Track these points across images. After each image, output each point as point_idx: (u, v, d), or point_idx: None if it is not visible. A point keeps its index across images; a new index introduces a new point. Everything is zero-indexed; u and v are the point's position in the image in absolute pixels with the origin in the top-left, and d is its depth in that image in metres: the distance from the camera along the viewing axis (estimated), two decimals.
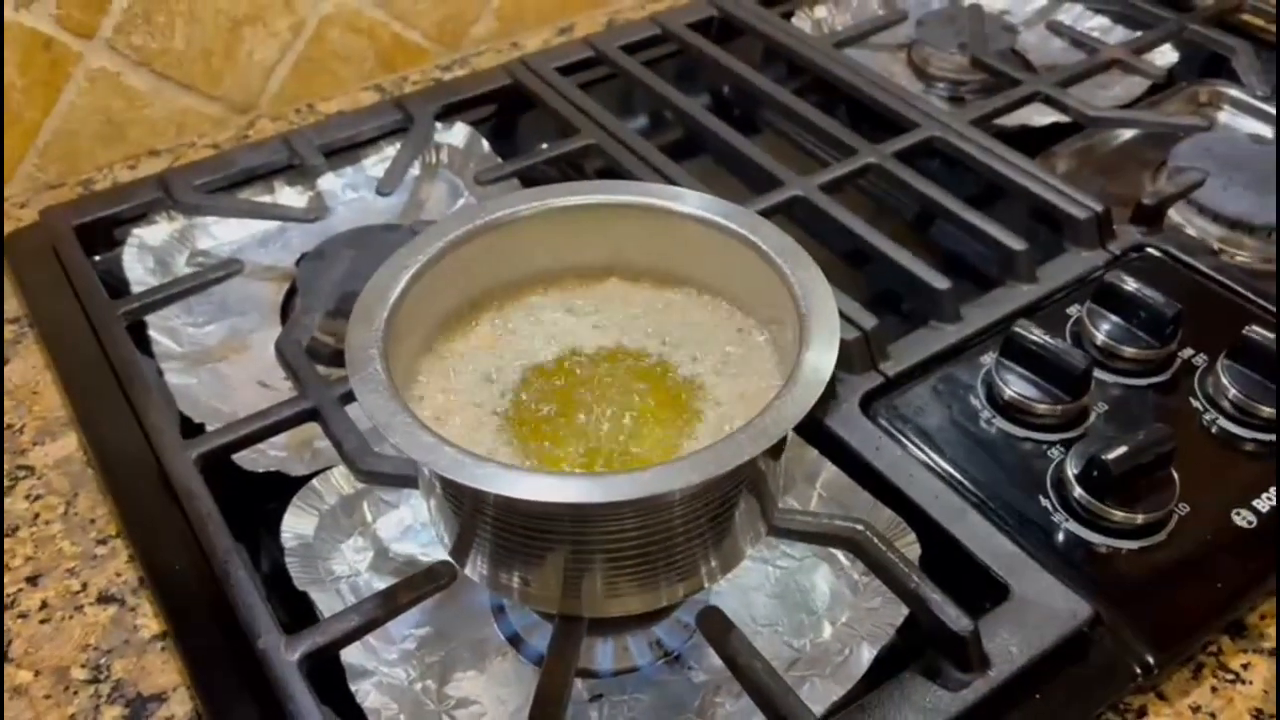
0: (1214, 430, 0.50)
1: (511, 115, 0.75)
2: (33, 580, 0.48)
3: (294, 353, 0.52)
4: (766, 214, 0.60)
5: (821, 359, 0.37)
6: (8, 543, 0.50)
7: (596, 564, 0.37)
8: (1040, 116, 0.72)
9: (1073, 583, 0.44)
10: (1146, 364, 0.52)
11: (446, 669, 0.46)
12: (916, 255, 0.58)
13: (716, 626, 0.41)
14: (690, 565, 0.39)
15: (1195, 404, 0.51)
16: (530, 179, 0.68)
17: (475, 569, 0.40)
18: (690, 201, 0.44)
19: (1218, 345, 0.53)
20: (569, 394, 0.42)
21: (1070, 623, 0.42)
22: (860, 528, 0.44)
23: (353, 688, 0.44)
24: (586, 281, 0.46)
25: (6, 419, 0.56)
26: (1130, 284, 0.53)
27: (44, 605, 0.47)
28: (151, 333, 0.60)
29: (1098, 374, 0.52)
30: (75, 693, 0.44)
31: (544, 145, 0.70)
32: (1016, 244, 0.58)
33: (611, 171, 0.67)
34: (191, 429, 0.54)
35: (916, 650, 0.43)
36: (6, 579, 0.48)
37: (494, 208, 0.44)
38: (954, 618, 0.41)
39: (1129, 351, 0.52)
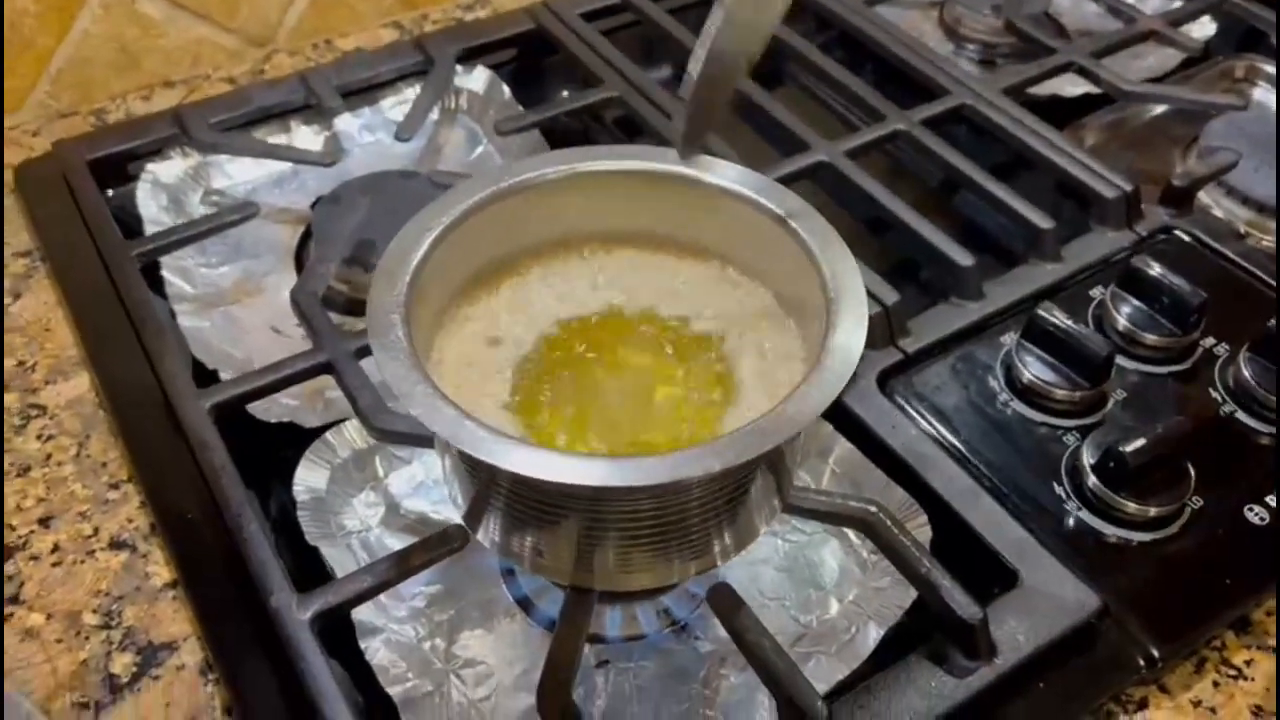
0: (1232, 423, 0.50)
1: (533, 60, 0.74)
2: (45, 523, 0.48)
3: (309, 304, 0.52)
4: (791, 179, 0.60)
5: (849, 344, 0.36)
6: (19, 483, 0.50)
7: (610, 541, 0.37)
8: (1072, 87, 0.71)
9: (1082, 572, 0.44)
10: (1168, 352, 0.52)
11: (455, 628, 0.46)
12: (941, 227, 0.57)
13: (726, 602, 0.41)
14: (704, 543, 0.39)
15: (1214, 395, 0.51)
16: (551, 130, 0.67)
17: (487, 535, 0.40)
18: (720, 173, 0.43)
19: (1241, 336, 0.52)
20: (586, 363, 0.42)
21: (1078, 613, 0.43)
22: (874, 509, 0.44)
23: (362, 645, 0.44)
24: (610, 248, 0.46)
25: (19, 356, 0.55)
26: (1155, 269, 0.52)
27: (56, 548, 0.47)
28: (164, 273, 0.59)
29: (1118, 359, 0.52)
30: (87, 638, 0.44)
31: (565, 93, 0.69)
32: (1043, 222, 0.57)
33: (632, 124, 0.66)
34: (204, 375, 0.54)
35: (924, 633, 0.43)
36: (18, 520, 0.48)
37: (520, 169, 0.43)
38: (963, 605, 0.41)
39: (1151, 339, 0.52)
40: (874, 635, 0.45)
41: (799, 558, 0.49)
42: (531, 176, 0.43)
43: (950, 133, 0.64)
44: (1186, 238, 0.59)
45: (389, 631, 0.46)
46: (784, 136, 0.63)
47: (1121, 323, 0.52)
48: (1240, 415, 0.50)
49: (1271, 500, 0.47)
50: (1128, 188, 0.59)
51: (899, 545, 0.43)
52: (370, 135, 0.70)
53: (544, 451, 0.34)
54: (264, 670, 0.42)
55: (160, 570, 0.47)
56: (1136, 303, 0.53)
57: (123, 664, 0.44)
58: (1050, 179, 0.62)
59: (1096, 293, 0.55)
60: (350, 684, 0.43)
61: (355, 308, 0.60)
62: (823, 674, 0.44)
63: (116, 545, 0.48)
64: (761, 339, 0.43)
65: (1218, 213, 0.63)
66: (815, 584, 0.48)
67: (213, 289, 0.61)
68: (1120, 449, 0.45)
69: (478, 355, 0.42)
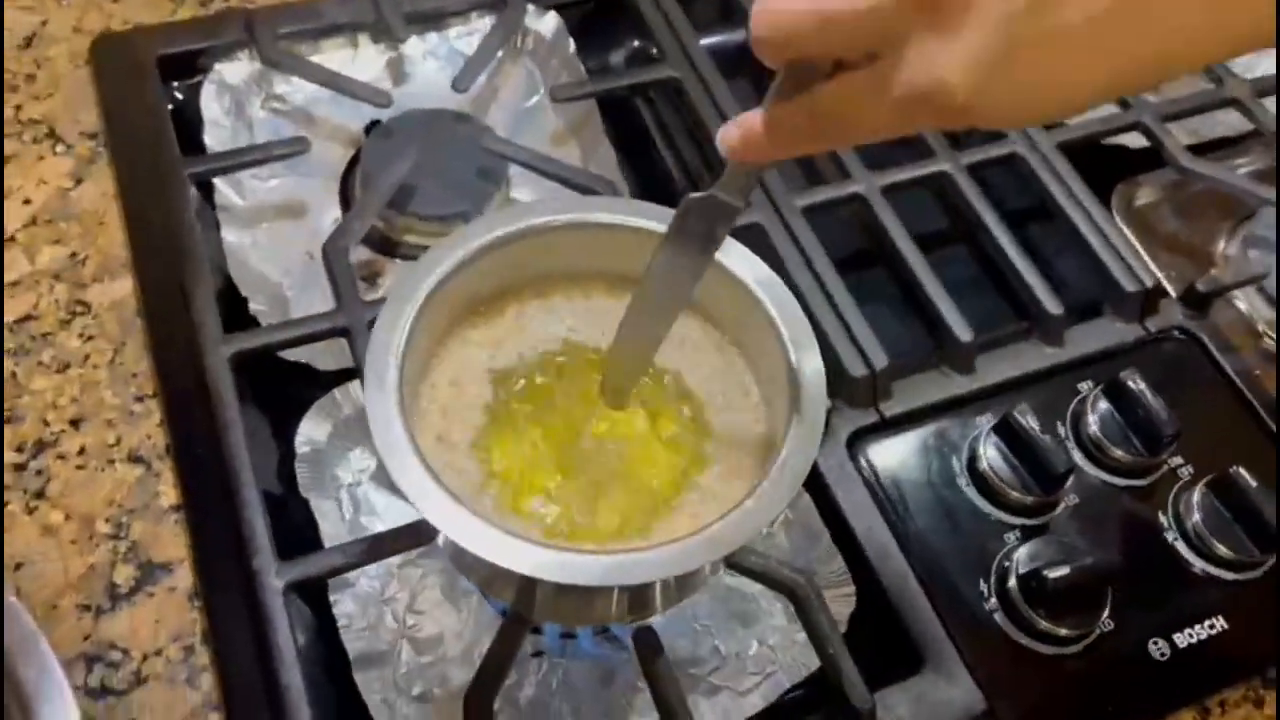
0: (1169, 551, 0.53)
1: (603, 12, 0.73)
2: (75, 424, 0.53)
3: (340, 262, 0.55)
4: (821, 208, 0.61)
5: (798, 464, 0.39)
6: (58, 379, 0.55)
7: (549, 596, 0.42)
8: (1139, 138, 0.70)
9: (981, 673, 0.48)
10: (1130, 467, 0.54)
11: (417, 592, 0.52)
12: (957, 281, 0.59)
13: (647, 647, 0.46)
14: (643, 601, 0.44)
15: (1163, 519, 0.53)
16: (607, 103, 0.67)
17: (447, 548, 0.45)
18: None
19: (1209, 463, 0.54)
20: (562, 399, 0.45)
21: (963, 714, 0.47)
22: (802, 581, 0.47)
23: (331, 597, 0.50)
24: (612, 292, 0.48)
25: (72, 246, 0.59)
26: (1139, 386, 0.54)
27: (82, 451, 0.53)
28: (216, 180, 0.62)
29: (1080, 461, 0.54)
30: (97, 544, 0.50)
31: (626, 54, 0.69)
32: (1053, 306, 0.58)
33: (679, 113, 0.67)
34: (235, 300, 0.58)
35: (822, 699, 0.47)
36: (52, 416, 0.54)
37: (531, 213, 0.45)
38: (857, 692, 0.45)
39: (1117, 453, 0.54)
40: (780, 685, 0.49)
41: (737, 590, 0.53)
42: (540, 223, 0.45)
43: (995, 181, 0.64)
44: (1194, 342, 0.60)
45: (360, 584, 0.51)
46: (827, 158, 0.63)
47: (1094, 428, 0.54)
48: (1179, 546, 0.53)
49: (1179, 638, 0.50)
50: (1148, 284, 0.59)
51: (817, 621, 0.47)
52: (434, 61, 0.71)
53: (508, 536, 0.37)
54: (240, 614, 0.47)
55: (169, 492, 0.52)
56: (1114, 413, 0.54)
57: (124, 575, 0.50)
58: (1078, 252, 0.62)
59: (1085, 387, 0.57)
60: (315, 634, 0.49)
61: (388, 247, 0.64)
62: (723, 713, 0.49)
63: (134, 459, 0.53)
64: (727, 404, 0.46)
65: (1241, 304, 0.64)
66: (743, 619, 0.52)
67: (259, 203, 0.64)
68: (1044, 573, 0.48)
69: (466, 381, 0.45)
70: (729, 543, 0.37)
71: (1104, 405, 0.55)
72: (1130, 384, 0.54)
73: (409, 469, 0.38)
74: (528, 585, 0.42)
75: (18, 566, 0.49)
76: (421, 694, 0.49)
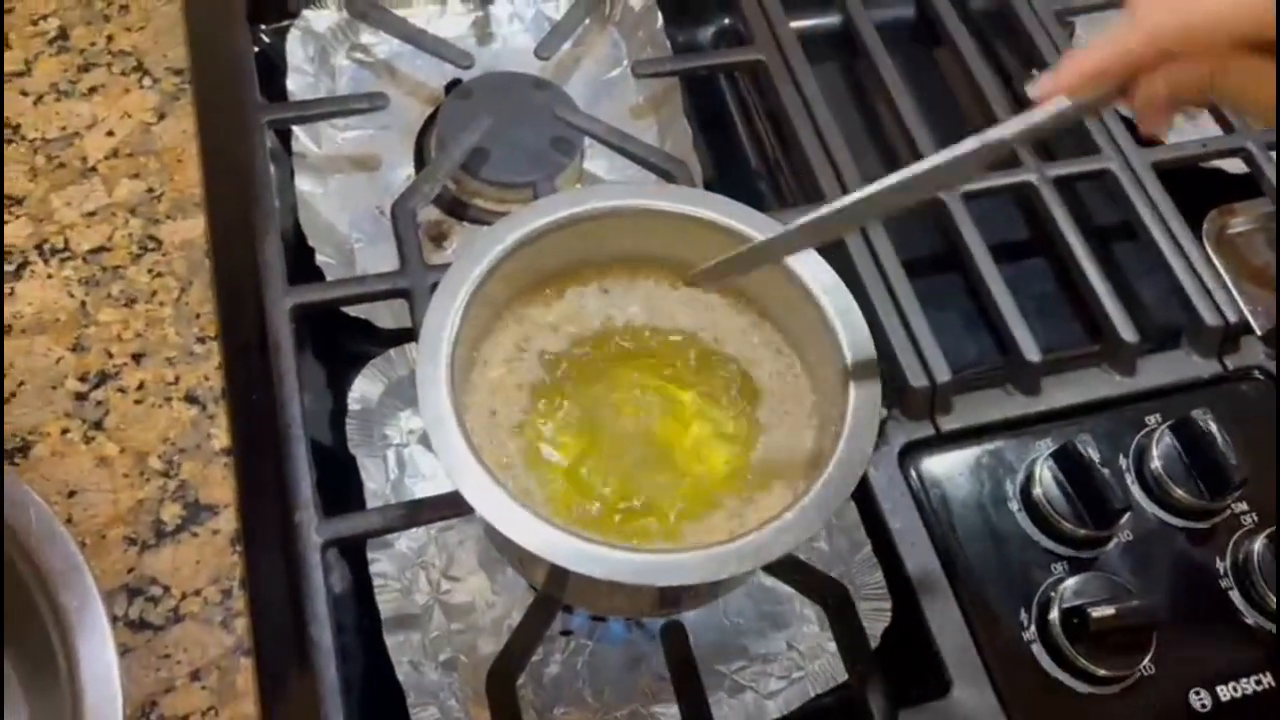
0: (1224, 600, 0.51)
1: None
2: (137, 359, 0.54)
3: (406, 224, 0.55)
4: None
5: (840, 488, 0.39)
6: (124, 312, 0.56)
7: (582, 584, 0.42)
8: (1239, 163, 0.67)
9: (1012, 704, 0.47)
10: (1191, 508, 0.52)
11: (455, 558, 0.52)
12: (1032, 296, 0.57)
13: (676, 643, 0.45)
14: (676, 597, 0.43)
15: (1220, 565, 0.52)
16: (689, 79, 0.66)
17: (483, 523, 0.45)
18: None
19: (1273, 513, 0.52)
20: (611, 381, 0.45)
21: None
22: (838, 592, 0.47)
23: (370, 555, 0.50)
24: (672, 280, 0.47)
25: (150, 182, 0.60)
26: (1210, 428, 0.52)
27: (141, 386, 0.54)
28: (295, 127, 0.63)
29: (1138, 496, 0.52)
30: (148, 480, 0.51)
31: (709, 34, 0.67)
32: (1128, 334, 0.56)
33: (764, 96, 0.65)
34: (302, 249, 0.58)
35: (846, 713, 0.47)
36: (116, 349, 0.55)
37: (596, 197, 0.45)
38: (881, 712, 0.45)
39: (1178, 493, 0.52)
40: (805, 693, 0.49)
41: (772, 591, 0.52)
42: (604, 206, 0.45)
43: (1082, 196, 0.62)
44: (1275, 386, 0.57)
45: (399, 545, 0.52)
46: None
47: (1157, 465, 0.53)
48: (1234, 595, 0.51)
49: (1223, 690, 0.48)
50: (1230, 318, 0.57)
51: (850, 634, 0.46)
52: (519, 24, 0.70)
53: (559, 531, 0.37)
54: (278, 565, 0.48)
55: (220, 435, 0.53)
56: (1180, 452, 0.52)
57: (171, 513, 0.50)
58: (1162, 278, 0.60)
59: (1153, 420, 0.55)
60: (351, 590, 0.49)
61: (457, 209, 0.64)
62: (747, 713, 0.48)
63: (191, 399, 0.54)
64: (784, 405, 0.45)
65: None
66: (776, 621, 0.52)
67: (335, 154, 0.64)
68: (1088, 610, 0.47)
69: (518, 360, 0.45)
70: (762, 556, 0.37)
71: (1170, 441, 0.53)
72: (1200, 423, 0.52)
73: (451, 445, 0.38)
74: (560, 571, 0.42)
75: (71, 494, 0.50)
76: (449, 660, 0.50)
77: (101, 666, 0.42)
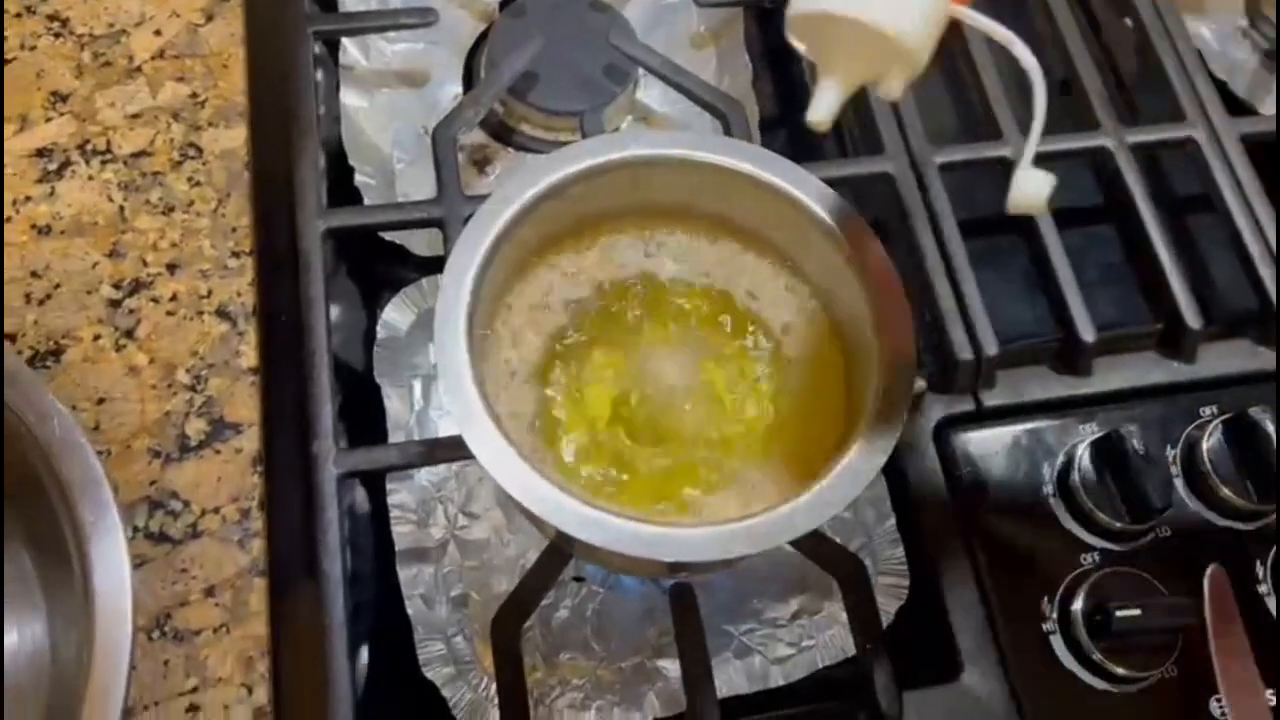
0: (1258, 604, 0.49)
1: None
2: (172, 269, 0.54)
3: (447, 151, 0.53)
4: (962, 166, 0.56)
5: (867, 463, 0.37)
6: (161, 221, 0.55)
7: (592, 551, 0.41)
8: None
9: (1023, 695, 0.46)
10: (1236, 510, 0.50)
11: (474, 495, 0.52)
12: (1093, 271, 0.54)
13: (682, 604, 0.45)
14: (686, 564, 0.43)
15: (1260, 570, 0.50)
16: (757, 12, 0.63)
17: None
18: (809, 190, 0.42)
19: None
20: (639, 331, 0.44)
21: None
22: (853, 568, 0.46)
23: (389, 485, 0.50)
24: (710, 233, 0.46)
25: (194, 86, 0.59)
26: (1267, 427, 0.49)
27: (174, 298, 0.54)
28: (343, 39, 0.61)
29: (1181, 491, 0.50)
30: (175, 393, 0.51)
31: None
32: (1192, 319, 0.53)
33: None
34: (342, 167, 0.57)
35: (851, 688, 0.46)
36: (151, 258, 0.54)
37: (635, 143, 0.43)
38: (886, 695, 0.44)
39: (1225, 492, 0.50)
40: (813, 664, 0.48)
41: (789, 556, 0.51)
42: (642, 154, 0.43)
43: (1161, 166, 0.58)
44: None
45: (419, 477, 0.51)
46: (982, 117, 0.58)
47: (1206, 462, 0.50)
48: (1270, 602, 0.49)
49: None
50: None
51: (861, 612, 0.45)
52: None
53: (537, 479, 0.36)
54: (296, 491, 0.48)
55: (249, 353, 0.53)
56: (1236, 452, 0.50)
57: (195, 428, 0.51)
58: (1234, 258, 0.56)
59: (1208, 412, 0.52)
60: (369, 520, 0.50)
61: (503, 134, 0.62)
62: (751, 675, 0.48)
63: (222, 314, 0.53)
64: (815, 378, 0.44)
65: None
66: (789, 585, 0.51)
67: (383, 67, 0.62)
68: (1113, 608, 0.45)
69: (544, 304, 0.44)
70: (772, 539, 0.36)
71: (1222, 436, 0.50)
72: (1257, 419, 0.49)
73: (462, 395, 0.37)
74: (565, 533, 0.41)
75: (100, 401, 0.51)
76: (459, 596, 0.50)
77: (116, 577, 0.43)
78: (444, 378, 0.38)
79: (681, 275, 0.45)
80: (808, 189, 0.42)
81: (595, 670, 0.49)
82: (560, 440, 0.41)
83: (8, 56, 0.58)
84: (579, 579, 0.51)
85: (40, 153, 0.56)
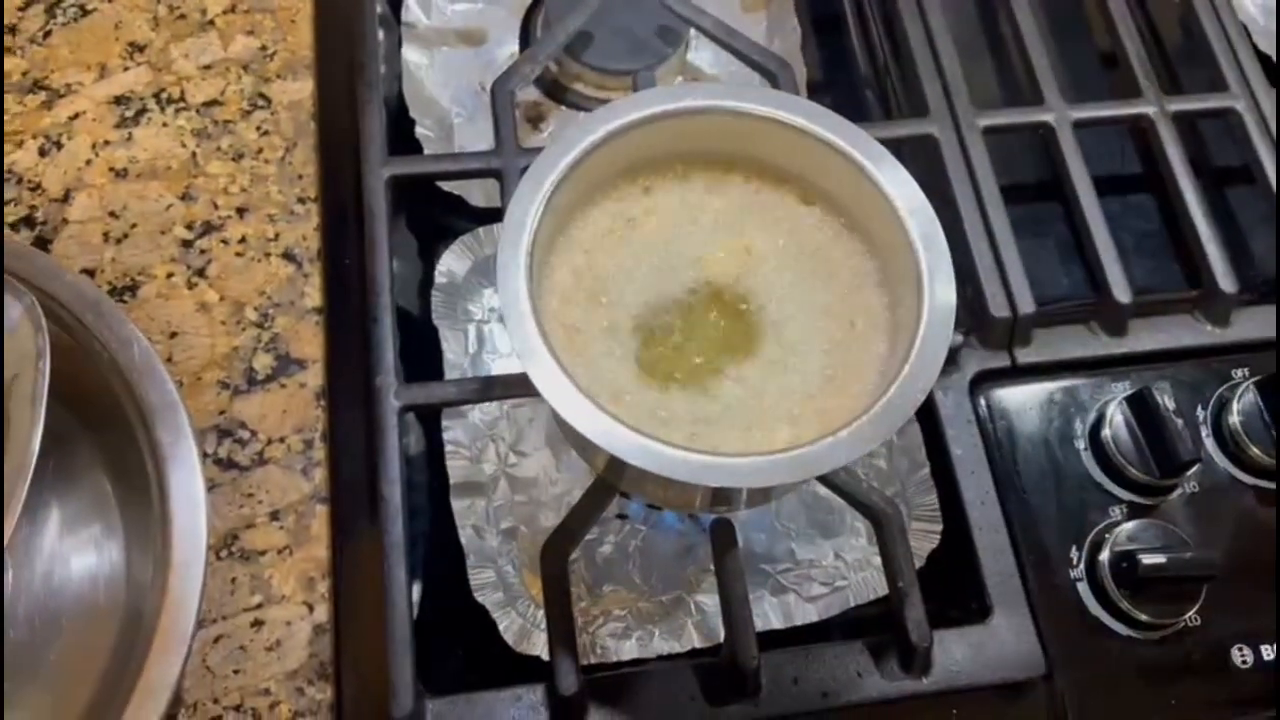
0: None
1: None
2: (240, 213, 0.57)
3: (504, 104, 0.55)
4: (1004, 130, 0.58)
5: (906, 398, 0.39)
6: (231, 166, 0.58)
7: (639, 475, 0.43)
8: None
9: (1049, 637, 0.48)
10: (1263, 469, 0.51)
11: (524, 434, 0.54)
12: (1122, 237, 0.56)
13: (723, 540, 0.47)
14: (729, 496, 0.45)
15: None
16: None
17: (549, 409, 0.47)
18: (864, 149, 0.43)
19: None
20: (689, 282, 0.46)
21: (1020, 672, 0.47)
22: (889, 511, 0.48)
23: (444, 423, 0.53)
24: (757, 182, 0.47)
25: (264, 40, 0.61)
26: None
27: (243, 239, 0.56)
28: None
29: (1210, 449, 0.52)
30: (244, 329, 0.54)
31: None
32: (1227, 284, 0.54)
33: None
34: (403, 119, 0.59)
35: (882, 626, 0.48)
36: (221, 201, 0.57)
37: (689, 95, 0.45)
38: (917, 626, 0.46)
39: (1254, 451, 0.51)
40: (845, 602, 0.50)
41: (824, 500, 0.53)
42: (694, 105, 0.44)
43: (1202, 135, 0.59)
44: None
45: (473, 414, 0.54)
46: (1023, 79, 0.60)
47: (1235, 422, 0.51)
48: None
49: (1266, 649, 0.48)
50: None
51: (893, 550, 0.47)
52: None
53: (590, 405, 0.39)
54: (358, 423, 0.51)
55: (313, 294, 0.55)
56: (1263, 410, 0.51)
57: (262, 363, 0.53)
58: (1272, 226, 0.58)
59: (1239, 374, 0.54)
60: (425, 455, 0.52)
61: (556, 92, 0.64)
62: (786, 612, 0.50)
63: (288, 256, 0.56)
64: (860, 319, 0.45)
65: None
66: (825, 530, 0.53)
67: (443, 26, 0.65)
68: (1139, 556, 0.47)
69: (600, 246, 0.46)
70: (814, 468, 0.37)
71: (1253, 398, 0.52)
72: None
73: (524, 330, 0.39)
74: (617, 461, 0.43)
75: (172, 335, 0.53)
76: (509, 529, 0.52)
77: (191, 498, 0.45)
78: (508, 315, 0.40)
79: (731, 224, 0.47)
80: (855, 141, 0.43)
81: (637, 602, 0.51)
82: (617, 373, 0.43)
83: (89, 7, 0.61)
84: (622, 516, 0.53)
85: (118, 100, 0.59)
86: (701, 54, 0.65)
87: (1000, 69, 0.63)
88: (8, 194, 0.56)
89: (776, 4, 0.65)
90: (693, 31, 0.62)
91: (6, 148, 0.57)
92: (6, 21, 0.60)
